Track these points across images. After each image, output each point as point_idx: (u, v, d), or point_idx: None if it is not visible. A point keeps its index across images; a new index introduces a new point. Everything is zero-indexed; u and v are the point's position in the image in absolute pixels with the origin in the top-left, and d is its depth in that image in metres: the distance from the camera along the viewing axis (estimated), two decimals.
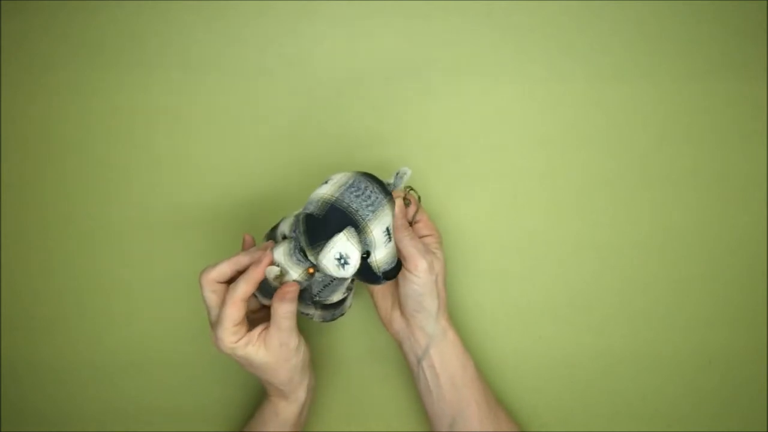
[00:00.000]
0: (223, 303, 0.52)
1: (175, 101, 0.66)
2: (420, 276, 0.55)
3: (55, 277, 0.65)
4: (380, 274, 0.54)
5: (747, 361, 0.65)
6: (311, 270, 0.53)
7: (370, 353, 0.65)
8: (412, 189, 0.59)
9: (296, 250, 0.53)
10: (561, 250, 0.66)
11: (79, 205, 0.66)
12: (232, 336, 0.52)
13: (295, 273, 0.53)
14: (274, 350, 0.53)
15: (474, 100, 0.66)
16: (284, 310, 0.52)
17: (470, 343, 0.62)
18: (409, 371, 0.65)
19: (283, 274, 0.53)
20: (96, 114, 0.66)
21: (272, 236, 0.57)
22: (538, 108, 0.66)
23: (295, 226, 0.54)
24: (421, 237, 0.59)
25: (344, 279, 0.55)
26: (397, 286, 0.60)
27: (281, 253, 0.53)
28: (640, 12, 0.66)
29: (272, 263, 0.53)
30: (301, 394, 0.58)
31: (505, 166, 0.66)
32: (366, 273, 0.54)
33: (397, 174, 0.55)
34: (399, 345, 0.60)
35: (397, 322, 0.59)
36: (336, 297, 0.55)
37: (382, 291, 0.61)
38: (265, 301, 0.55)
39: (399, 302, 0.59)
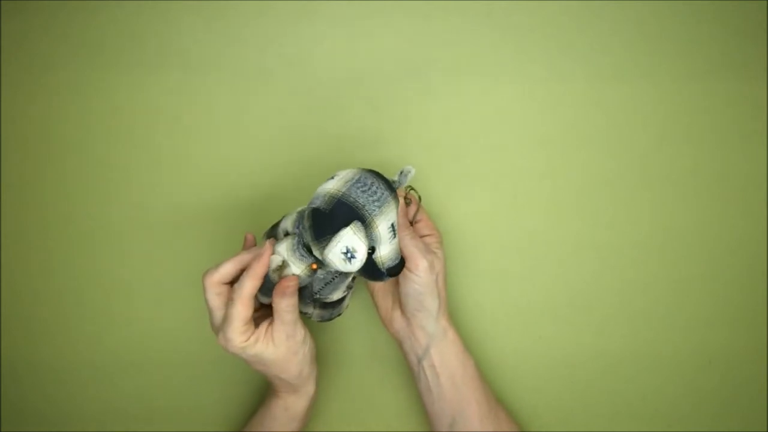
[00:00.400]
0: (230, 302, 0.52)
1: (175, 101, 0.66)
2: (421, 275, 0.56)
3: (55, 277, 0.65)
4: (384, 271, 0.54)
5: (747, 361, 0.65)
6: (314, 266, 0.53)
7: (370, 353, 0.65)
8: (412, 188, 0.59)
9: (299, 246, 0.53)
10: (561, 250, 0.66)
11: (79, 205, 0.66)
12: (241, 335, 0.52)
13: (298, 269, 0.53)
14: (282, 344, 0.53)
15: (474, 100, 0.66)
16: (285, 303, 0.52)
17: (470, 343, 0.62)
18: (408, 371, 0.65)
19: (285, 265, 0.53)
20: (96, 114, 0.66)
21: (272, 234, 0.57)
22: (538, 108, 0.66)
23: (298, 222, 0.54)
24: (421, 236, 0.59)
25: (346, 275, 0.55)
26: (397, 285, 0.60)
27: (284, 248, 0.53)
28: (640, 12, 0.66)
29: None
30: (310, 388, 0.58)
31: (505, 166, 0.66)
32: (370, 269, 0.54)
33: (401, 172, 0.55)
34: (399, 344, 0.60)
35: (398, 321, 0.59)
36: (336, 295, 0.56)
37: (382, 290, 0.61)
38: (265, 300, 0.55)
39: (399, 301, 0.59)
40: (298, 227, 0.54)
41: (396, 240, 0.54)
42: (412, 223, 0.59)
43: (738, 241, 0.66)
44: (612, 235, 0.66)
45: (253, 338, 0.53)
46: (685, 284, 0.65)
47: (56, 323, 0.65)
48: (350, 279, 0.56)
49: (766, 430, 0.65)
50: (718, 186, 0.66)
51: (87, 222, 0.65)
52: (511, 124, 0.66)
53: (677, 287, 0.65)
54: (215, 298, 0.53)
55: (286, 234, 0.55)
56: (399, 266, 0.55)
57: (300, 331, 0.54)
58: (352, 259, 0.51)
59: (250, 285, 0.52)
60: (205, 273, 0.53)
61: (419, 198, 0.59)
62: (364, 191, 0.52)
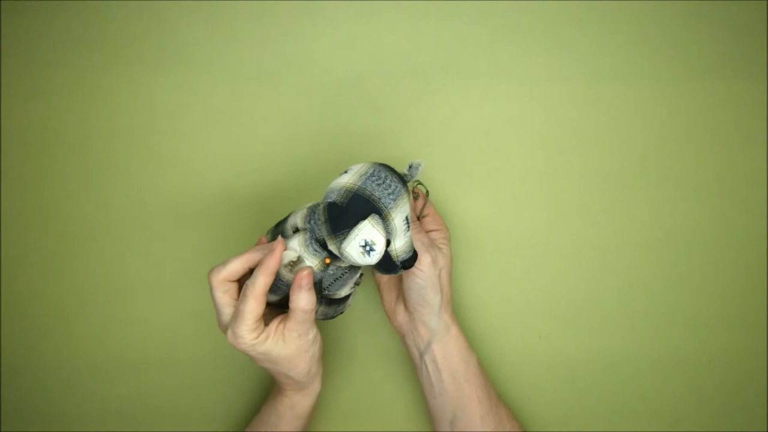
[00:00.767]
0: (242, 299, 0.51)
1: (175, 101, 0.66)
2: (423, 270, 0.56)
3: (55, 277, 0.65)
4: (398, 263, 0.54)
5: (747, 361, 0.65)
6: (327, 260, 0.53)
7: (373, 349, 0.65)
8: (420, 183, 0.59)
9: (312, 241, 0.53)
10: (561, 250, 0.66)
11: (79, 205, 0.66)
12: (252, 332, 0.52)
13: (312, 264, 0.53)
14: (293, 342, 0.53)
15: (474, 100, 0.66)
16: (304, 301, 0.52)
17: (471, 342, 0.62)
18: (411, 369, 0.65)
19: (300, 261, 0.53)
20: (96, 114, 0.66)
21: (276, 232, 0.57)
22: (538, 108, 0.66)
23: (309, 218, 0.54)
24: (428, 231, 0.59)
25: (355, 271, 0.55)
26: (401, 279, 0.60)
27: (297, 244, 0.53)
28: (640, 12, 0.66)
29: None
30: (316, 386, 0.58)
31: (505, 166, 0.66)
32: (385, 262, 0.53)
33: (411, 166, 0.54)
34: (402, 338, 0.61)
35: (401, 315, 0.60)
36: (344, 291, 0.56)
37: (387, 283, 0.61)
38: (272, 298, 0.55)
39: (402, 295, 0.59)
40: (309, 222, 0.53)
41: (409, 232, 0.54)
42: (419, 218, 0.59)
43: (738, 241, 0.66)
44: (612, 235, 0.66)
45: (263, 336, 0.52)
46: (685, 284, 0.65)
47: (56, 323, 0.65)
48: (358, 275, 0.56)
49: (766, 430, 0.65)
50: (718, 186, 0.66)
51: (87, 222, 0.65)
52: (511, 123, 0.66)
53: (677, 287, 0.65)
54: (223, 296, 0.53)
55: (296, 230, 0.55)
56: (412, 259, 0.55)
57: (312, 330, 0.54)
58: (371, 252, 0.51)
59: (263, 281, 0.51)
60: (211, 271, 0.53)
61: (427, 192, 0.59)
62: (379, 185, 0.52)
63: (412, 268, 0.55)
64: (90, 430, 0.65)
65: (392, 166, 0.54)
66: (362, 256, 0.51)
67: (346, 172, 0.53)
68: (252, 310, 0.51)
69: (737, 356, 0.65)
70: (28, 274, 0.65)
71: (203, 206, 0.66)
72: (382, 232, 0.51)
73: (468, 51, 0.66)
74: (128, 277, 0.65)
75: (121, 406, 0.65)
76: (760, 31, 0.66)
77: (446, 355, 0.58)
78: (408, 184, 0.56)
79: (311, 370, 0.56)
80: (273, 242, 0.53)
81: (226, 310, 0.53)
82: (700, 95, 0.66)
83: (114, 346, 0.65)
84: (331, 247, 0.52)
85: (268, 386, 0.65)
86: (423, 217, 0.60)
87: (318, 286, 0.54)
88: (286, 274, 0.53)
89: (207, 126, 0.66)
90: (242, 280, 0.54)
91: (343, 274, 0.54)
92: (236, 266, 0.53)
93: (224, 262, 0.53)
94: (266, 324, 0.53)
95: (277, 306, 0.56)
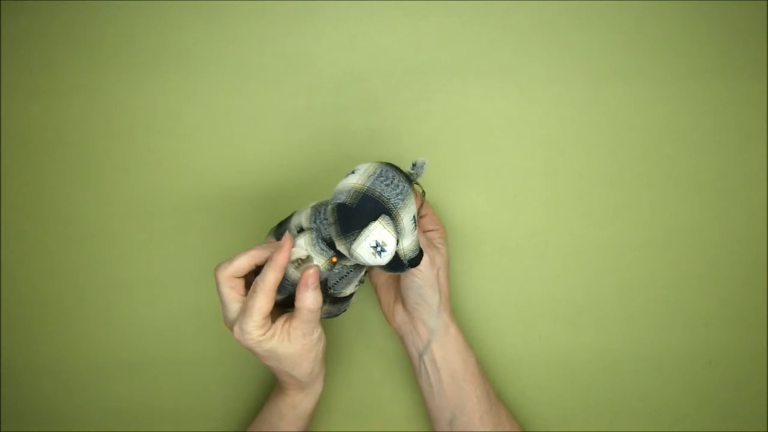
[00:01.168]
0: (251, 294, 0.51)
1: (174, 101, 0.66)
2: (421, 269, 0.56)
3: (55, 277, 0.65)
4: (405, 262, 0.54)
5: (747, 361, 0.65)
6: (334, 259, 0.53)
7: (372, 349, 0.65)
8: (417, 183, 0.59)
9: (319, 240, 0.53)
10: (561, 249, 0.66)
11: (79, 204, 0.66)
12: (259, 329, 0.52)
13: (318, 263, 0.53)
14: (298, 341, 0.53)
15: (474, 100, 0.66)
16: (310, 300, 0.52)
17: (470, 342, 0.62)
18: (410, 369, 0.65)
19: (309, 260, 0.53)
20: (96, 114, 0.66)
21: (280, 232, 0.57)
22: (538, 108, 0.66)
23: (315, 217, 0.54)
24: (426, 231, 0.60)
25: (360, 270, 0.55)
26: (398, 279, 0.60)
27: (303, 243, 0.53)
28: (640, 12, 0.66)
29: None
30: (318, 386, 0.58)
31: (505, 165, 0.66)
32: (393, 261, 0.53)
33: (415, 164, 0.54)
34: (401, 339, 0.61)
35: (400, 315, 0.60)
36: (348, 290, 0.56)
37: (385, 284, 0.61)
38: (276, 297, 0.55)
39: (401, 296, 0.59)
40: (315, 222, 0.53)
41: (416, 231, 0.54)
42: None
43: (738, 241, 0.66)
44: (612, 235, 0.66)
45: (269, 333, 0.52)
46: (685, 284, 0.65)
47: (56, 323, 0.65)
48: (363, 273, 0.56)
49: (766, 430, 0.65)
50: (718, 186, 0.66)
51: (87, 222, 0.65)
52: (511, 123, 0.66)
53: (677, 287, 0.65)
54: (230, 292, 0.53)
55: (300, 230, 0.55)
56: (419, 257, 0.55)
57: (317, 329, 0.54)
58: (383, 253, 0.51)
59: (273, 276, 0.51)
60: (218, 266, 0.53)
61: (423, 193, 0.59)
62: (387, 185, 0.52)
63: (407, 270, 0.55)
64: (90, 430, 0.65)
65: (396, 165, 0.54)
66: (373, 256, 0.51)
67: (353, 172, 0.53)
68: (261, 305, 0.51)
69: (737, 356, 0.65)
70: (28, 274, 0.65)
71: (203, 206, 0.66)
72: (392, 232, 0.51)
73: (468, 51, 0.66)
74: (128, 277, 0.65)
75: (121, 406, 0.65)
76: (760, 31, 0.66)
77: (445, 355, 0.58)
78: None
79: (314, 369, 0.56)
80: (280, 240, 0.53)
81: (233, 306, 0.53)
82: (700, 95, 0.66)
83: (114, 346, 0.65)
84: (341, 247, 0.52)
85: (269, 386, 0.65)
86: (421, 217, 0.60)
87: (323, 285, 0.54)
88: (293, 273, 0.53)
89: (207, 126, 0.66)
90: (248, 277, 0.54)
91: (348, 273, 0.54)
92: (243, 262, 0.53)
93: (231, 259, 0.53)
94: (272, 322, 0.53)
95: (282, 306, 0.56)
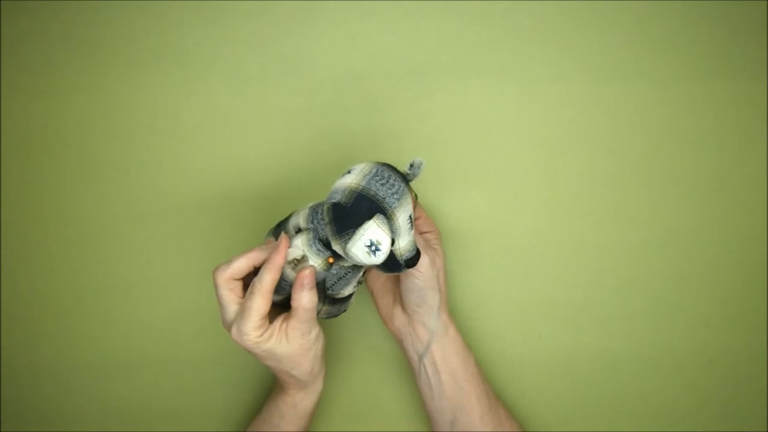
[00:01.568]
0: (249, 296, 0.52)
1: (174, 101, 0.66)
2: (422, 271, 0.56)
3: (55, 277, 0.65)
4: (402, 262, 0.54)
5: (747, 361, 0.65)
6: (331, 259, 0.53)
7: (370, 352, 0.65)
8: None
9: (315, 240, 0.53)
10: (561, 249, 0.66)
11: (79, 204, 0.66)
12: (257, 330, 0.52)
13: (315, 263, 0.53)
14: (296, 341, 0.53)
15: (474, 100, 0.66)
16: (305, 300, 0.52)
17: (470, 343, 0.62)
18: (409, 371, 0.65)
19: (304, 260, 0.53)
20: (96, 114, 0.66)
21: (279, 232, 0.57)
22: (538, 108, 0.66)
23: (312, 217, 0.54)
24: (421, 233, 0.60)
25: (358, 270, 0.55)
26: (397, 282, 0.60)
27: (300, 243, 0.53)
28: (640, 12, 0.66)
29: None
30: (319, 385, 0.58)
31: (505, 165, 0.66)
32: (389, 261, 0.53)
33: (412, 164, 0.54)
34: (400, 342, 0.60)
35: (399, 318, 0.60)
36: (347, 291, 0.56)
37: (382, 288, 0.61)
38: (274, 297, 0.55)
39: (400, 298, 0.59)
40: (312, 222, 0.54)
41: (412, 231, 0.54)
42: None
43: (738, 241, 0.66)
44: (612, 235, 0.66)
45: (267, 334, 0.52)
46: (685, 284, 0.65)
47: (56, 323, 0.65)
48: (361, 274, 0.56)
49: (766, 430, 0.65)
50: (718, 186, 0.66)
51: (87, 222, 0.65)
52: (511, 123, 0.66)
53: (677, 287, 0.65)
54: (229, 294, 0.53)
55: (298, 230, 0.55)
56: (416, 257, 0.55)
57: (315, 328, 0.54)
58: (377, 252, 0.51)
59: (270, 277, 0.51)
60: (216, 269, 0.53)
61: (415, 195, 0.59)
62: (383, 184, 0.52)
63: (412, 270, 0.55)
64: (90, 430, 0.65)
65: (393, 165, 0.54)
66: (368, 256, 0.51)
67: (349, 172, 0.53)
68: (259, 307, 0.51)
69: (737, 356, 0.65)
70: (28, 274, 0.65)
71: (203, 206, 0.66)
72: (387, 231, 0.51)
73: (468, 51, 0.66)
74: (128, 277, 0.65)
75: (121, 406, 0.65)
76: (760, 31, 0.66)
77: (445, 356, 0.58)
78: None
79: (314, 368, 0.56)
80: (277, 240, 0.53)
81: (232, 308, 0.53)
82: (700, 95, 0.66)
83: (114, 346, 0.65)
84: (336, 247, 0.52)
85: (269, 386, 0.65)
86: (415, 219, 0.59)
87: (321, 286, 0.54)
88: (290, 273, 0.53)
89: (207, 126, 0.66)
90: (246, 279, 0.54)
91: (346, 274, 0.54)
92: (241, 265, 0.53)
93: (229, 261, 0.53)
94: (270, 322, 0.53)
95: (280, 306, 0.56)
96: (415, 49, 0.66)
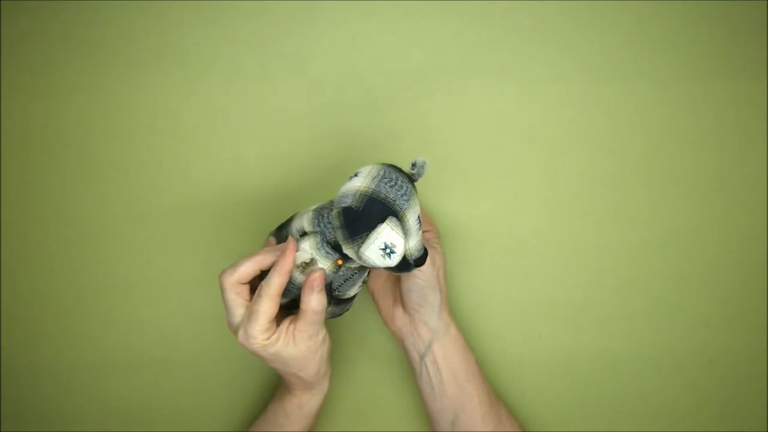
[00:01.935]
0: (256, 299, 0.52)
1: (174, 101, 0.66)
2: (423, 270, 0.56)
3: (55, 277, 0.65)
4: (412, 262, 0.54)
5: (747, 361, 0.65)
6: (340, 261, 0.53)
7: (371, 352, 0.65)
8: None
9: (324, 243, 0.53)
10: (561, 249, 0.66)
11: (79, 204, 0.66)
12: (264, 333, 0.52)
13: (324, 266, 0.53)
14: (303, 343, 0.53)
15: (474, 100, 0.66)
16: (315, 302, 0.52)
17: (470, 343, 0.62)
18: (409, 372, 0.65)
19: (313, 263, 0.53)
20: (96, 114, 0.66)
21: (280, 235, 0.57)
22: (538, 108, 0.66)
23: (318, 221, 0.53)
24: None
25: (363, 271, 0.55)
26: (398, 282, 0.60)
27: (308, 246, 0.53)
28: (640, 12, 0.66)
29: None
30: (325, 385, 0.58)
31: (505, 165, 0.66)
32: (401, 262, 0.53)
33: (415, 164, 0.54)
34: (401, 342, 0.60)
35: (400, 318, 0.60)
36: (353, 291, 0.56)
37: (383, 288, 0.61)
38: (281, 300, 0.55)
39: (401, 298, 0.59)
40: (319, 225, 0.53)
41: (420, 231, 0.54)
42: None
43: (738, 241, 0.66)
44: (612, 235, 0.66)
45: (274, 337, 0.52)
46: (685, 284, 0.65)
47: (56, 323, 0.65)
48: (366, 274, 0.56)
49: (766, 430, 0.65)
50: (718, 186, 0.66)
51: (87, 222, 0.65)
52: (511, 124, 0.66)
53: (677, 287, 0.65)
54: (236, 297, 0.53)
55: (303, 233, 0.55)
56: (424, 256, 0.54)
57: (322, 331, 0.54)
58: (392, 255, 0.51)
59: (278, 281, 0.51)
60: (223, 273, 0.53)
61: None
62: (392, 186, 0.52)
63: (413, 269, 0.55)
64: (90, 430, 0.65)
65: (398, 166, 0.54)
66: (382, 258, 0.51)
67: (356, 175, 0.53)
68: (266, 310, 0.51)
69: (737, 356, 0.65)
70: (28, 274, 0.65)
71: (203, 206, 0.66)
72: (400, 233, 0.51)
73: (468, 51, 0.66)
74: (128, 277, 0.65)
75: (121, 406, 0.65)
76: (760, 31, 0.66)
77: (447, 355, 0.58)
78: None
79: (320, 370, 0.56)
80: (284, 243, 0.53)
81: (239, 312, 0.53)
82: (700, 95, 0.66)
83: (114, 346, 0.65)
84: (348, 251, 0.52)
85: (271, 386, 0.65)
86: None
87: (328, 287, 0.54)
88: (298, 276, 0.53)
89: (207, 126, 0.66)
90: (252, 282, 0.54)
91: (353, 275, 0.54)
92: (248, 269, 0.53)
93: (235, 265, 0.53)
94: (276, 325, 0.53)
95: (285, 308, 0.56)
96: (415, 49, 0.66)
